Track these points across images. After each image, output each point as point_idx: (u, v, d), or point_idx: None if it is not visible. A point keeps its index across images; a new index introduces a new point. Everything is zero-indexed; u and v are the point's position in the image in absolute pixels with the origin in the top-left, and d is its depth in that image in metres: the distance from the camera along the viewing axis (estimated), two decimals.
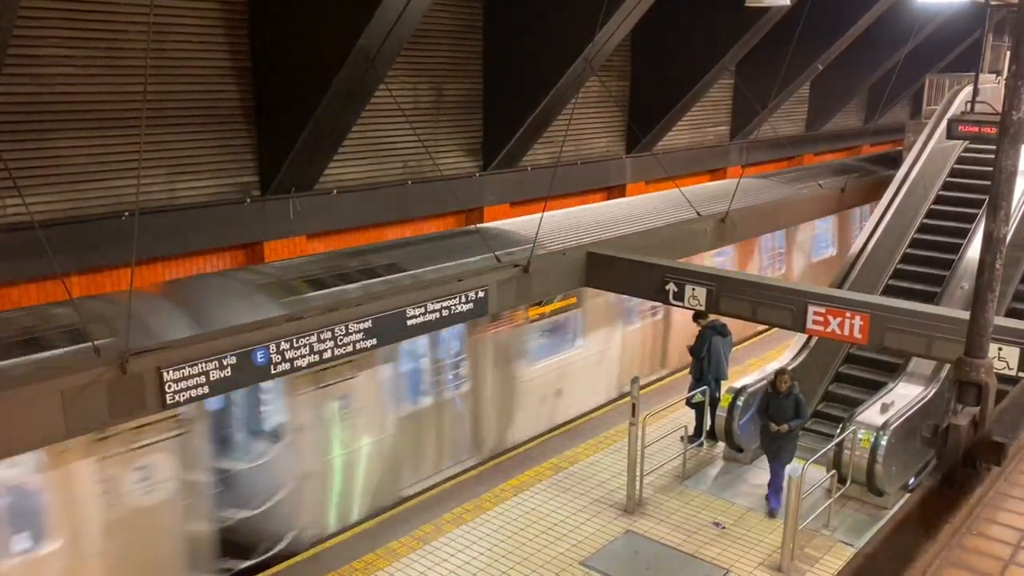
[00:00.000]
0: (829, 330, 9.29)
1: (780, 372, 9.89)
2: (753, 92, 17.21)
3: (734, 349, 12.29)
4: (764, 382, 11.25)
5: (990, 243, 3.42)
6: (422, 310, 9.20)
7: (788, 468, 8.81)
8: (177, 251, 9.95)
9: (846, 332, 9.16)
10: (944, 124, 15.33)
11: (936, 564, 2.65)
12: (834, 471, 9.71)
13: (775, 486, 9.83)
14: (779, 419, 9.60)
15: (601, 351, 12.98)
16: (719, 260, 15.26)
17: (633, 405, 9.64)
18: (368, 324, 8.67)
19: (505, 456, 11.28)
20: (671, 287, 10.42)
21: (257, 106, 10.28)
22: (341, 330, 8.43)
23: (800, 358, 12.04)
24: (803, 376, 11.96)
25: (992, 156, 3.50)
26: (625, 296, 12.39)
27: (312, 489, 9.15)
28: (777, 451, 9.78)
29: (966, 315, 3.72)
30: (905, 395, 10.85)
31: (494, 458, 11.23)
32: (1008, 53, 17.88)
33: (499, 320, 11.03)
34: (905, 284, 13.40)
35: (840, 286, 12.97)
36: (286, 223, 10.79)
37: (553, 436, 11.93)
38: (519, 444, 11.65)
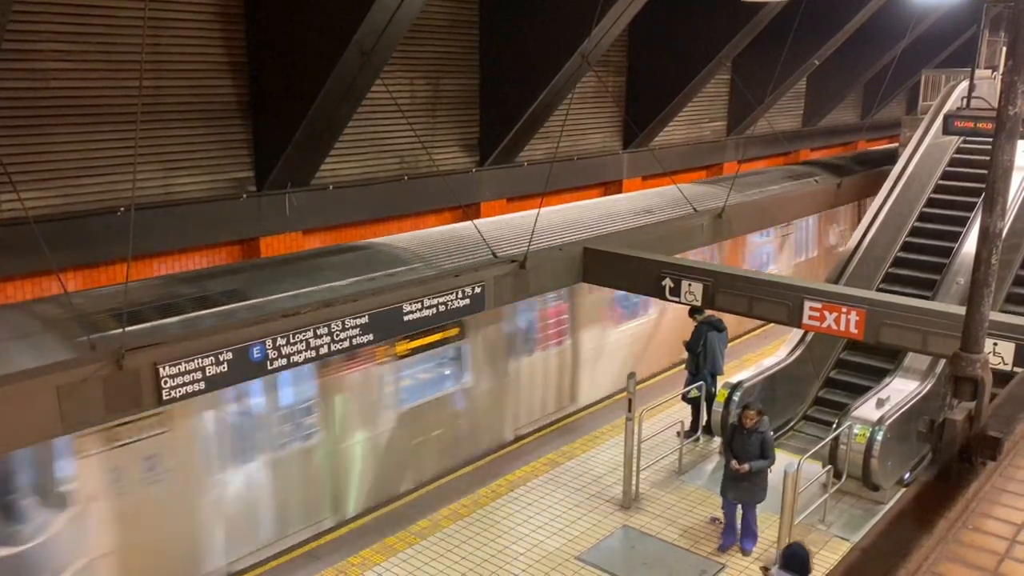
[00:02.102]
0: (825, 325, 9.30)
1: (746, 407, 9.01)
2: (750, 88, 17.21)
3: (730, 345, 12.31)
4: (763, 376, 11.29)
5: (986, 238, 3.42)
6: (419, 306, 9.19)
7: (785, 464, 8.79)
8: (173, 247, 9.93)
9: (842, 327, 9.18)
10: (940, 119, 15.34)
11: (932, 558, 2.66)
12: (830, 466, 9.73)
13: (745, 528, 9.05)
14: (742, 457, 8.75)
15: (495, 387, 11.04)
16: None
17: (630, 400, 9.65)
18: (364, 320, 8.66)
19: (500, 452, 11.27)
20: (667, 282, 10.43)
21: (253, 101, 10.26)
22: (338, 325, 8.42)
23: (798, 352, 12.07)
24: (801, 366, 12.01)
25: (988, 152, 3.50)
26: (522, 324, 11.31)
27: None
28: (740, 492, 8.88)
29: (962, 310, 3.73)
30: (901, 390, 10.88)
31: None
32: (1004, 49, 17.91)
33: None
34: (902, 277, 13.43)
35: (837, 281, 12.99)
36: (282, 219, 10.77)
37: (550, 432, 11.93)
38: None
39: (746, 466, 8.67)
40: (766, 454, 8.78)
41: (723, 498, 9.07)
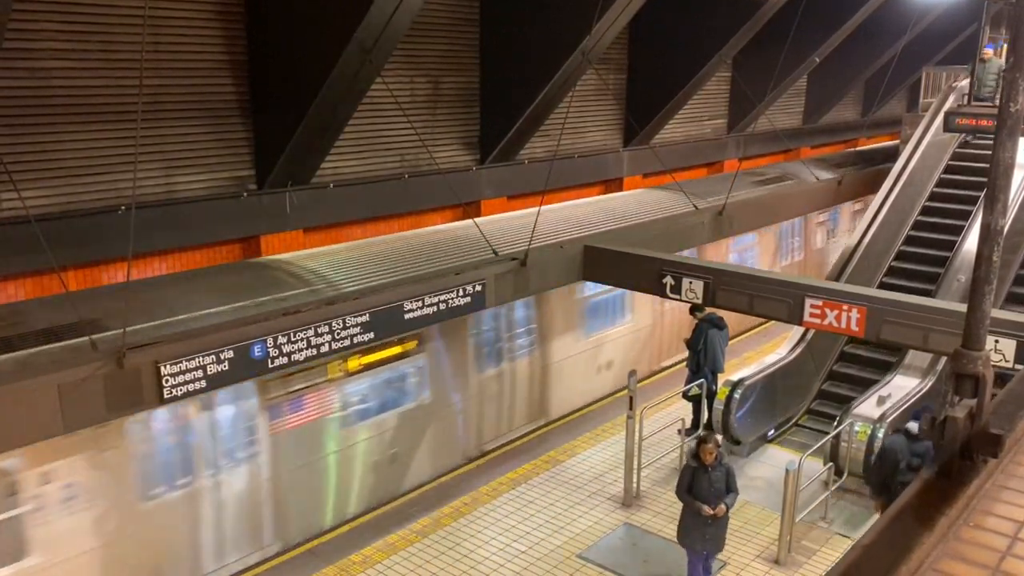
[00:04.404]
0: (826, 323, 9.30)
1: (703, 441, 7.83)
2: (750, 85, 17.19)
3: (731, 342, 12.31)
4: (763, 374, 11.28)
5: (987, 235, 3.41)
6: (420, 303, 9.19)
7: (788, 463, 8.79)
8: (174, 245, 9.93)
9: (843, 325, 9.18)
10: (941, 117, 15.33)
11: (933, 555, 2.66)
12: (831, 463, 9.73)
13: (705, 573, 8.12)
14: (710, 499, 7.67)
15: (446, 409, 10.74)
16: None
17: (631, 398, 9.66)
18: (365, 318, 8.67)
19: (502, 450, 11.29)
20: (668, 280, 10.43)
21: (253, 99, 10.25)
22: (338, 324, 8.43)
23: (799, 349, 12.07)
24: (802, 363, 12.01)
25: (989, 149, 3.50)
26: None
27: None
28: (707, 538, 7.83)
29: (963, 307, 3.73)
30: (902, 387, 10.89)
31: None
32: (1005, 46, 17.86)
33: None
34: (903, 275, 13.43)
35: (838, 278, 12.99)
36: (283, 217, 10.76)
37: (551, 430, 11.94)
38: None
39: (723, 507, 7.67)
40: (732, 486, 7.87)
41: (688, 549, 8.00)
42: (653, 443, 10.65)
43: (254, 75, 10.14)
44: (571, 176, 15.01)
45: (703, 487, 7.73)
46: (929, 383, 11.01)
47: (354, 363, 9.45)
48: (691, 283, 10.25)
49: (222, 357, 7.53)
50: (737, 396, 10.74)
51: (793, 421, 11.97)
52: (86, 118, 8.90)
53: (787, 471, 8.46)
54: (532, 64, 12.39)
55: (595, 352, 12.94)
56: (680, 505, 8.05)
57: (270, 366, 7.97)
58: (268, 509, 8.91)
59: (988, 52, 15.69)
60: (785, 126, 20.86)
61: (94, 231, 9.01)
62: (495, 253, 10.17)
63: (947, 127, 14.79)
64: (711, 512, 7.65)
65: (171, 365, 7.18)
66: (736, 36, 14.79)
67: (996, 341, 8.12)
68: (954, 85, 16.19)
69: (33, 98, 8.48)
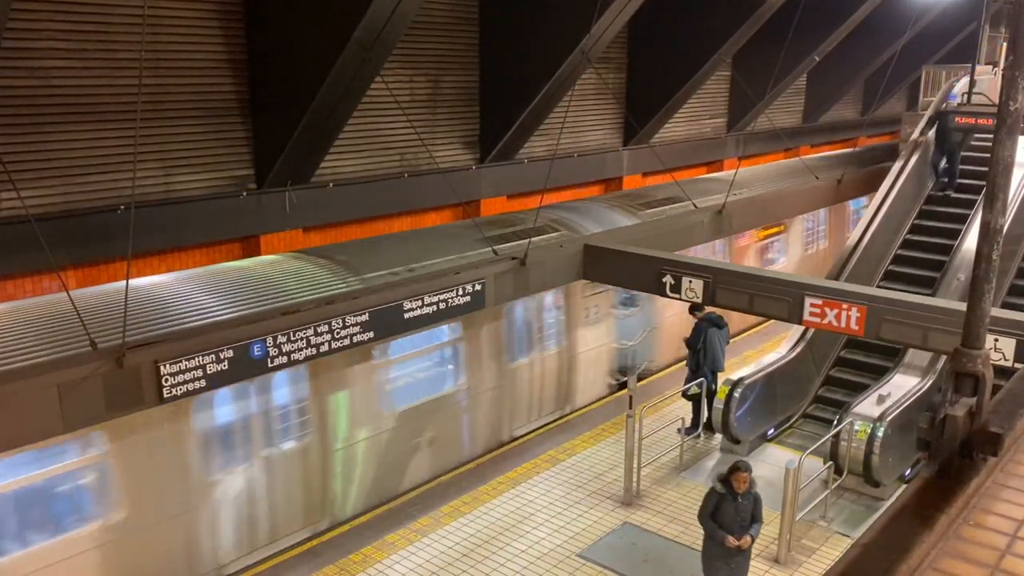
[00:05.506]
0: (826, 322, 9.30)
1: (737, 468, 7.32)
2: (750, 84, 17.20)
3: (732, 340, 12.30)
4: (762, 373, 11.27)
5: (987, 234, 3.41)
6: (419, 303, 9.19)
7: (788, 462, 8.78)
8: (173, 245, 9.93)
9: (843, 324, 9.18)
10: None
11: (933, 554, 2.66)
12: (831, 462, 9.73)
13: None
14: (734, 528, 7.27)
15: None
16: None
17: (630, 397, 9.65)
18: (365, 317, 8.67)
19: (502, 449, 11.28)
20: (668, 279, 10.44)
21: (253, 99, 10.26)
22: (338, 323, 8.43)
23: (799, 348, 12.06)
24: (802, 362, 12.00)
25: (989, 147, 3.50)
26: None
27: None
28: (732, 567, 7.42)
29: (962, 306, 3.73)
30: (902, 386, 10.88)
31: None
32: (1005, 44, 17.88)
33: None
34: (904, 272, 13.43)
35: (838, 277, 12.99)
36: (282, 216, 10.77)
37: (551, 428, 11.93)
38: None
39: (748, 538, 7.29)
40: (758, 516, 7.47)
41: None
42: (653, 442, 10.65)
43: (254, 75, 10.14)
44: (571, 175, 15.02)
45: (728, 515, 7.33)
46: (929, 382, 11.01)
47: None
48: (691, 282, 10.25)
49: (222, 356, 7.53)
50: (737, 395, 10.73)
51: (792, 421, 11.96)
52: (86, 118, 8.90)
53: (787, 470, 8.46)
54: (532, 63, 12.40)
55: None
56: (695, 525, 7.80)
57: (270, 365, 7.97)
58: None
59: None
60: (785, 125, 20.86)
61: (94, 231, 9.01)
62: (495, 252, 10.17)
63: (947, 126, 14.80)
64: (736, 544, 7.25)
65: (170, 364, 7.18)
66: (736, 35, 14.80)
67: (995, 340, 8.13)
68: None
69: (33, 98, 8.48)
